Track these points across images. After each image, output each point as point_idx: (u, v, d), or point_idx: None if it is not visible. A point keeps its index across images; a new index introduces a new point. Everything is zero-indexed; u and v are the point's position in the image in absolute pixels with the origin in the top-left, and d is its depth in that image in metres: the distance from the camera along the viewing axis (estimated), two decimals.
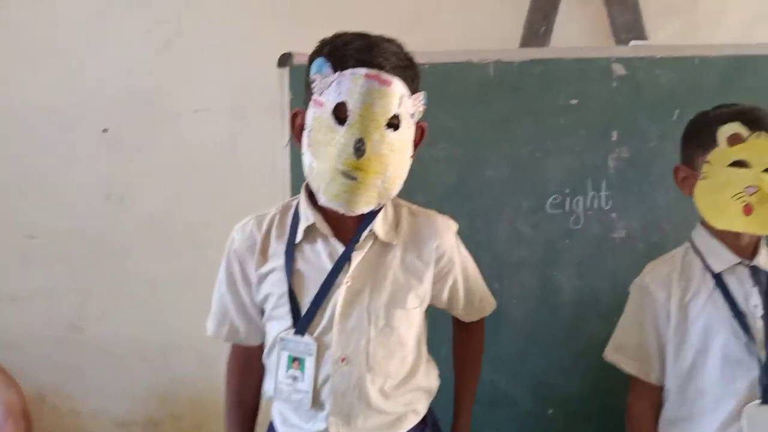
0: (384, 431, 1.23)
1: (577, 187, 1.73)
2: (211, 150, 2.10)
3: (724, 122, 1.29)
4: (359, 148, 1.06)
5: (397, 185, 1.16)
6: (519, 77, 1.71)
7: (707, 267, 1.36)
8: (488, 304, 1.41)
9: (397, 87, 1.09)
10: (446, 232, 1.29)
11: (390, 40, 1.14)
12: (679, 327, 1.36)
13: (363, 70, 1.07)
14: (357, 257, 1.18)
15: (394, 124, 1.10)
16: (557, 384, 1.73)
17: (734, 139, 1.28)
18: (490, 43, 1.76)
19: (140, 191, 2.13)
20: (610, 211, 1.72)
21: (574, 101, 1.71)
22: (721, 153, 1.29)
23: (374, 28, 1.89)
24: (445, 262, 1.28)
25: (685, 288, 1.37)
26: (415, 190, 1.67)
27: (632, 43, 1.75)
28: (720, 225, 1.32)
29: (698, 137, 1.35)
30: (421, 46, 1.75)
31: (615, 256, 1.73)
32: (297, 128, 1.17)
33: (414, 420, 1.28)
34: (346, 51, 1.09)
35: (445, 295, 1.32)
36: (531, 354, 1.74)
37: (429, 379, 1.31)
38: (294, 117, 1.18)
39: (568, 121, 1.71)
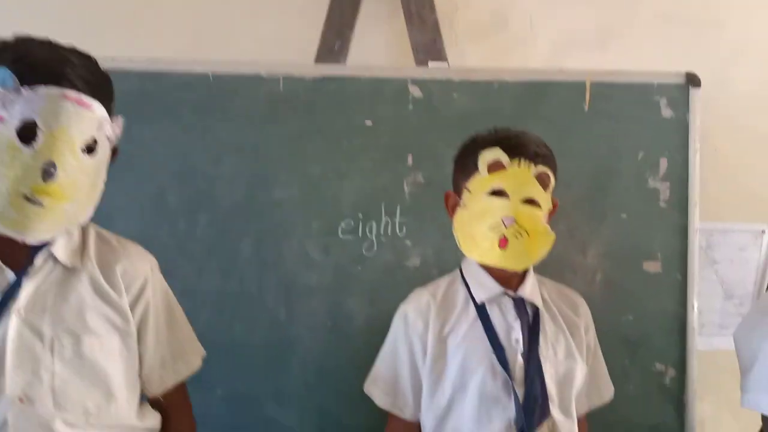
0: None
1: (370, 211, 1.65)
2: None
3: (486, 147, 1.23)
4: (49, 172, 0.95)
5: (88, 212, 1.05)
6: (311, 94, 1.64)
7: (471, 297, 1.28)
8: (193, 356, 1.23)
9: (98, 110, 1.00)
10: (139, 260, 1.16)
11: (82, 54, 1.03)
12: (437, 361, 1.27)
13: (57, 90, 0.96)
14: (30, 285, 1.04)
15: (91, 148, 1.00)
16: (347, 419, 1.62)
17: (495, 166, 1.21)
18: (285, 57, 1.66)
19: None
20: (405, 238, 1.65)
21: (368, 122, 1.65)
22: (481, 180, 1.23)
23: (151, 33, 1.81)
24: (136, 291, 1.13)
25: (445, 319, 1.29)
26: (198, 208, 1.63)
27: (430, 64, 1.69)
28: (475, 257, 1.25)
29: (463, 162, 1.28)
30: (206, 54, 1.70)
31: (409, 284, 1.60)
32: None
33: None
34: (36, 63, 0.97)
35: (143, 334, 1.15)
36: (319, 387, 1.63)
37: (147, 420, 1.17)
38: None
39: (362, 142, 1.65)
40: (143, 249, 1.19)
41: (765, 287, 1.97)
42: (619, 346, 1.66)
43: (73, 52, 1.02)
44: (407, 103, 1.65)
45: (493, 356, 1.23)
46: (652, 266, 1.68)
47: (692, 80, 1.67)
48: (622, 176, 1.68)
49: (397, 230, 1.65)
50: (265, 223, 1.63)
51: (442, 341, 1.28)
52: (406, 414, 1.31)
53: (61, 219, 0.99)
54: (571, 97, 1.67)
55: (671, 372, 1.68)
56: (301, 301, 1.64)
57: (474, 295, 1.28)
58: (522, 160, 1.21)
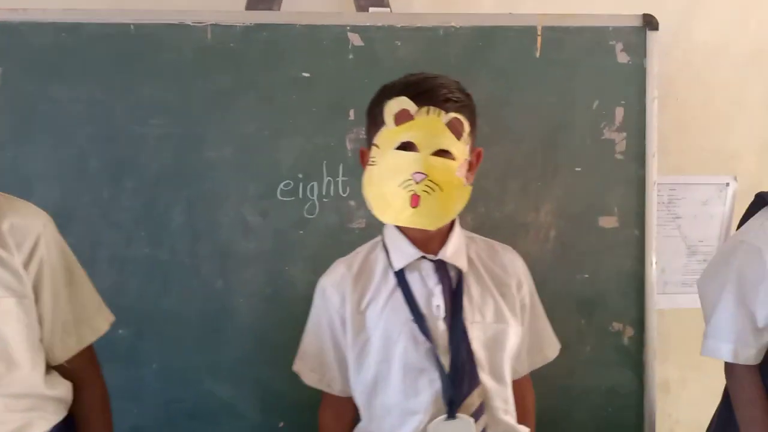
0: None
1: (311, 171, 1.55)
2: None
3: (392, 96, 1.11)
4: None
5: None
6: (242, 44, 1.53)
7: (390, 264, 1.19)
8: (98, 319, 1.16)
9: None
10: (30, 216, 1.08)
11: None
12: (358, 335, 1.18)
13: None
14: None
15: None
16: (288, 393, 1.54)
17: (401, 117, 1.10)
18: (212, 4, 1.54)
19: None
20: (348, 198, 1.56)
21: (306, 74, 1.54)
22: (388, 134, 1.11)
23: None
24: (28, 249, 1.05)
25: (362, 291, 1.19)
26: (123, 173, 1.52)
27: (371, 10, 1.57)
28: (386, 219, 1.15)
29: (372, 115, 1.17)
30: (122, 2, 1.57)
31: (354, 248, 1.52)
32: None
33: (40, 429, 1.07)
34: None
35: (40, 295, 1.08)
36: (259, 360, 1.55)
37: (56, 389, 1.09)
38: None
39: (299, 96, 1.54)
40: (35, 206, 1.10)
41: None
42: (574, 306, 1.61)
43: None
44: (347, 52, 1.54)
45: (414, 325, 1.14)
46: (608, 222, 1.61)
47: (649, 23, 1.58)
48: (576, 127, 1.60)
49: (340, 190, 1.56)
50: (196, 187, 1.54)
51: (361, 314, 1.19)
52: (335, 389, 1.23)
53: None
54: (521, 43, 1.58)
55: (629, 331, 1.62)
56: (238, 270, 1.55)
57: (392, 262, 1.19)
58: (431, 108, 1.10)
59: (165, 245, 1.53)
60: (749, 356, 1.30)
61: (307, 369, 1.24)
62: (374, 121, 1.15)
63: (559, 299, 1.57)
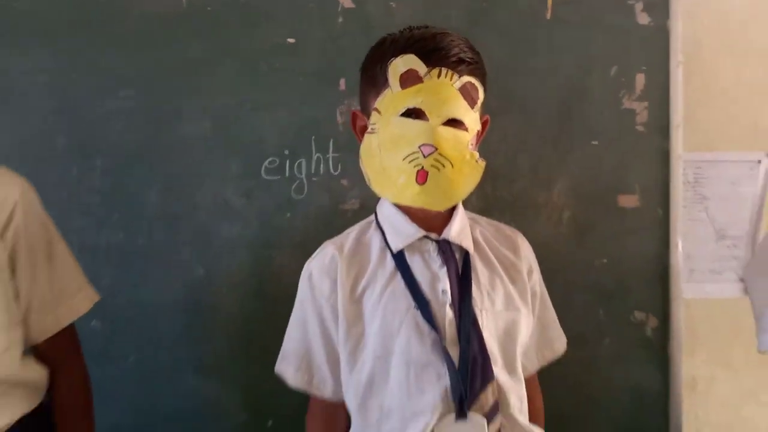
0: None
1: (298, 147, 1.45)
2: None
3: (397, 54, 0.99)
4: None
5: None
6: (220, 7, 1.44)
7: (388, 245, 1.06)
8: (79, 298, 1.11)
9: None
10: (5, 183, 1.04)
11: None
12: (352, 327, 1.04)
13: None
14: None
15: None
16: (277, 390, 1.41)
17: (408, 79, 0.98)
18: None
19: None
20: (340, 176, 1.46)
21: (291, 40, 1.45)
22: (392, 98, 1.00)
23: None
24: (4, 218, 1.01)
25: (357, 275, 1.06)
26: (92, 151, 1.43)
27: None
28: (389, 197, 1.03)
29: (371, 74, 1.04)
30: None
31: None
32: None
33: (13, 415, 1.02)
34: None
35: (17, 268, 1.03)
36: (245, 354, 1.45)
37: (29, 372, 1.05)
38: None
39: (284, 64, 1.45)
40: (12, 172, 1.06)
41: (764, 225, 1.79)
42: (591, 295, 1.48)
43: None
44: (336, 15, 1.45)
45: (417, 313, 1.02)
46: (629, 201, 1.49)
47: None
48: (592, 96, 1.47)
49: (331, 168, 1.46)
50: (173, 166, 1.45)
51: (355, 302, 1.06)
52: (327, 393, 1.09)
53: None
54: (530, 3, 1.46)
55: (653, 322, 1.49)
56: (220, 256, 1.46)
57: (390, 243, 1.07)
58: (443, 70, 0.99)
59: (139, 230, 1.45)
60: None
61: (292, 370, 1.10)
62: (373, 81, 1.03)
63: (574, 287, 1.47)
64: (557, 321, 1.21)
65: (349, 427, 1.10)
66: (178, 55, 1.42)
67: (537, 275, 1.17)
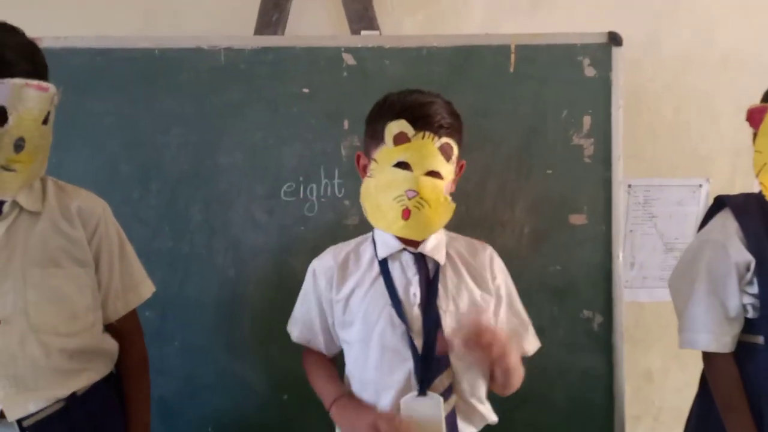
0: (57, 389, 1.22)
1: (310, 174, 1.74)
2: None
3: (392, 118, 1.24)
4: (19, 145, 1.13)
5: (45, 166, 1.23)
6: (251, 64, 1.72)
7: (376, 255, 1.33)
8: (142, 288, 1.38)
9: (51, 89, 1.19)
10: (92, 201, 1.30)
11: (16, 34, 1.17)
12: (342, 317, 1.34)
13: (21, 80, 1.11)
14: (2, 226, 1.18)
15: (46, 119, 1.19)
16: (291, 369, 1.72)
17: (400, 139, 1.23)
18: (225, 30, 1.76)
19: None
20: (343, 198, 1.74)
21: (306, 90, 1.73)
22: (387, 152, 1.24)
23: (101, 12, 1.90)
24: (92, 227, 1.28)
25: (347, 279, 1.33)
26: (149, 176, 1.72)
27: (363, 33, 1.76)
28: (382, 227, 1.30)
29: (373, 128, 1.30)
30: (150, 30, 1.80)
31: None
32: None
33: (93, 378, 1.28)
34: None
35: (99, 265, 1.30)
36: (268, 339, 1.73)
37: (108, 344, 1.32)
38: None
39: (300, 109, 1.73)
40: (95, 194, 1.33)
41: None
42: (547, 295, 1.75)
43: (9, 33, 1.15)
44: (341, 70, 1.72)
45: (392, 309, 1.26)
46: (578, 219, 1.74)
47: (614, 39, 1.72)
48: (548, 134, 1.74)
49: (336, 191, 1.74)
50: (212, 189, 1.73)
51: (344, 301, 1.33)
52: (321, 349, 1.40)
53: (29, 177, 1.18)
54: (497, 60, 1.73)
55: (598, 318, 1.75)
56: (248, 261, 1.74)
57: (378, 253, 1.32)
58: (426, 133, 1.22)
59: (185, 239, 1.73)
60: (725, 344, 1.37)
61: (296, 331, 1.41)
62: (374, 135, 1.27)
63: (533, 289, 1.72)
64: (531, 328, 1.39)
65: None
66: (217, 101, 1.71)
67: (501, 281, 1.36)
